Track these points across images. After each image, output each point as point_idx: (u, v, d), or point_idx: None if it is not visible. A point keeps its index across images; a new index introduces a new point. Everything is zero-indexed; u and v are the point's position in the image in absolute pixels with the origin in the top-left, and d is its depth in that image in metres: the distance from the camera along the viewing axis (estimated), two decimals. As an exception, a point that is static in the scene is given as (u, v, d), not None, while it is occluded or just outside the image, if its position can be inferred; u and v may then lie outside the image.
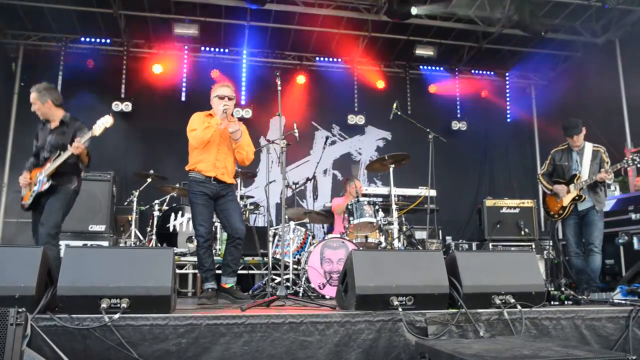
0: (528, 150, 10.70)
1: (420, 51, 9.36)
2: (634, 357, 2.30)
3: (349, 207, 5.56)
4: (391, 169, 5.68)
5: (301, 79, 9.69)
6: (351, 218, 5.47)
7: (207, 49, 9.46)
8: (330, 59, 9.99)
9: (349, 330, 3.00)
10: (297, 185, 7.11)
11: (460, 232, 9.25)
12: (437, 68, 10.33)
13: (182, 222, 6.63)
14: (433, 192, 6.44)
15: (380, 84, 10.02)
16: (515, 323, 3.20)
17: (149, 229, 6.78)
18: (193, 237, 5.84)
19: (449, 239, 8.17)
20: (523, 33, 8.30)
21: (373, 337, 3.03)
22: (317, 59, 9.95)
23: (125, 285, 2.87)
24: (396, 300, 3.11)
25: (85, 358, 2.67)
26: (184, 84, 9.29)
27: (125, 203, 7.03)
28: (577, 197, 5.16)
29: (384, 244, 5.59)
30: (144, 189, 6.93)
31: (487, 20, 8.53)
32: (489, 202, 7.48)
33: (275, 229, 5.88)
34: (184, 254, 6.45)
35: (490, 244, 7.18)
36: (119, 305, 2.81)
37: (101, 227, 6.51)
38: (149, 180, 6.92)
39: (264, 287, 4.93)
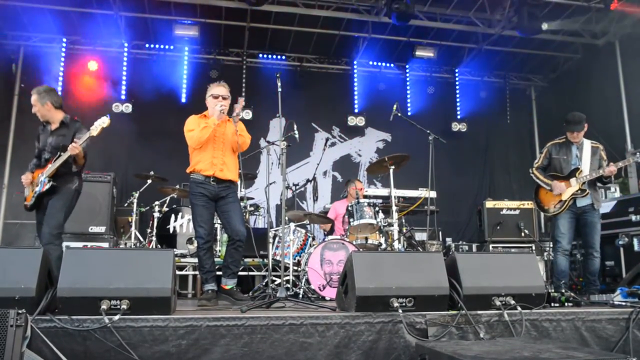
0: (528, 152, 10.69)
1: (420, 52, 9.37)
2: (634, 359, 2.30)
3: (349, 208, 5.55)
4: (391, 171, 5.67)
5: (300, 80, 9.68)
6: (351, 219, 5.46)
7: (207, 50, 9.47)
8: (331, 60, 10.00)
9: (349, 331, 3.00)
10: (297, 187, 7.10)
11: (461, 234, 9.25)
12: (437, 69, 10.34)
13: (182, 224, 6.63)
14: (433, 194, 6.43)
15: (381, 86, 10.02)
16: (515, 325, 3.20)
17: (149, 230, 6.78)
18: (193, 239, 5.84)
19: (449, 240, 8.16)
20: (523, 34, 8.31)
21: (373, 339, 3.02)
22: (317, 60, 9.96)
23: (125, 287, 2.88)
24: (396, 301, 3.11)
25: (85, 359, 2.67)
26: (184, 85, 9.30)
27: (126, 204, 7.02)
28: (578, 192, 4.98)
29: (384, 246, 5.58)
30: (144, 190, 6.93)
31: (487, 21, 8.56)
32: (489, 204, 7.47)
33: (276, 231, 5.88)
34: (184, 256, 6.44)
35: (491, 246, 7.18)
36: (119, 306, 2.81)
37: (101, 229, 6.50)
38: (149, 181, 6.92)
39: (264, 288, 4.93)
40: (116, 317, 2.74)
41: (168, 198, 6.93)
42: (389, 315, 3.08)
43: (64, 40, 8.89)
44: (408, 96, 10.13)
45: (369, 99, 9.91)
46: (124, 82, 9.03)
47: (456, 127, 10.02)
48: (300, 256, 5.57)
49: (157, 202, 6.72)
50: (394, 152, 5.90)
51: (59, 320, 2.69)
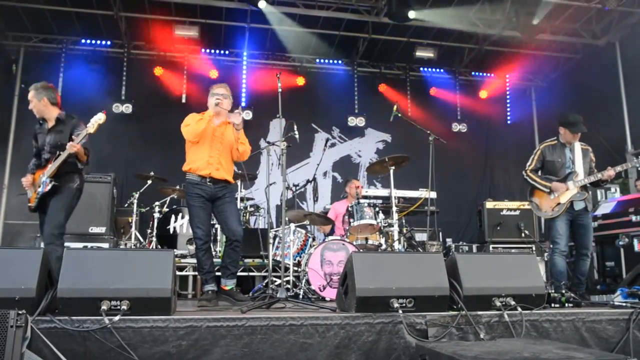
0: (528, 152, 10.62)
1: (420, 53, 9.38)
2: (634, 360, 2.30)
3: (350, 209, 5.55)
4: (391, 171, 5.67)
5: (301, 80, 9.69)
6: (351, 220, 5.46)
7: (208, 50, 9.47)
8: (331, 61, 10.00)
9: (349, 332, 3.00)
10: (297, 187, 7.10)
11: (461, 234, 9.26)
12: (438, 70, 10.35)
13: (182, 224, 6.63)
14: (433, 194, 6.42)
15: (381, 86, 10.02)
16: (515, 325, 3.20)
17: (149, 230, 6.78)
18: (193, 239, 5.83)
19: (449, 240, 8.17)
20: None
21: (373, 339, 3.02)
22: (318, 60, 9.96)
23: (125, 287, 2.87)
24: (396, 302, 3.11)
25: (85, 360, 2.68)
26: (184, 86, 9.29)
27: (126, 205, 7.03)
28: (577, 195, 4.93)
29: (384, 246, 5.59)
30: (144, 191, 6.93)
31: (487, 22, 8.55)
32: (489, 204, 7.48)
33: (276, 231, 5.88)
34: (184, 256, 6.44)
35: (491, 246, 7.18)
36: (119, 307, 2.81)
37: (101, 229, 6.50)
38: (149, 182, 6.92)
39: (264, 289, 4.93)
40: (116, 318, 2.74)
41: (168, 198, 6.94)
42: (389, 315, 3.08)
43: (64, 40, 8.90)
44: (408, 96, 10.12)
45: (369, 99, 9.91)
46: (124, 83, 9.04)
47: (456, 127, 10.03)
48: (300, 257, 5.57)
49: (157, 203, 6.72)
50: (393, 152, 5.91)
51: (59, 321, 2.69)
